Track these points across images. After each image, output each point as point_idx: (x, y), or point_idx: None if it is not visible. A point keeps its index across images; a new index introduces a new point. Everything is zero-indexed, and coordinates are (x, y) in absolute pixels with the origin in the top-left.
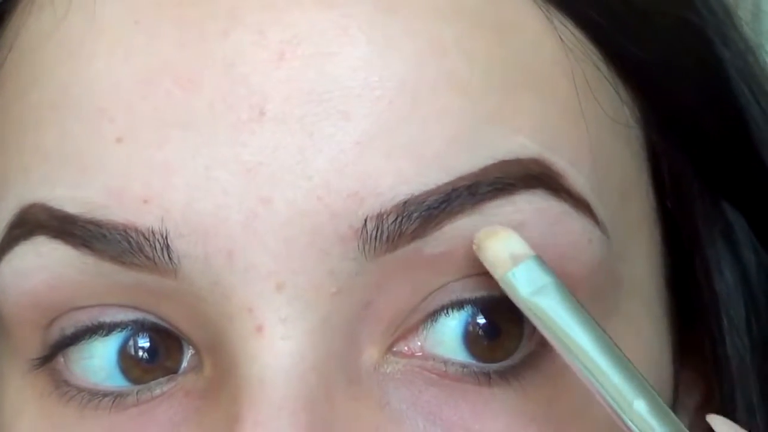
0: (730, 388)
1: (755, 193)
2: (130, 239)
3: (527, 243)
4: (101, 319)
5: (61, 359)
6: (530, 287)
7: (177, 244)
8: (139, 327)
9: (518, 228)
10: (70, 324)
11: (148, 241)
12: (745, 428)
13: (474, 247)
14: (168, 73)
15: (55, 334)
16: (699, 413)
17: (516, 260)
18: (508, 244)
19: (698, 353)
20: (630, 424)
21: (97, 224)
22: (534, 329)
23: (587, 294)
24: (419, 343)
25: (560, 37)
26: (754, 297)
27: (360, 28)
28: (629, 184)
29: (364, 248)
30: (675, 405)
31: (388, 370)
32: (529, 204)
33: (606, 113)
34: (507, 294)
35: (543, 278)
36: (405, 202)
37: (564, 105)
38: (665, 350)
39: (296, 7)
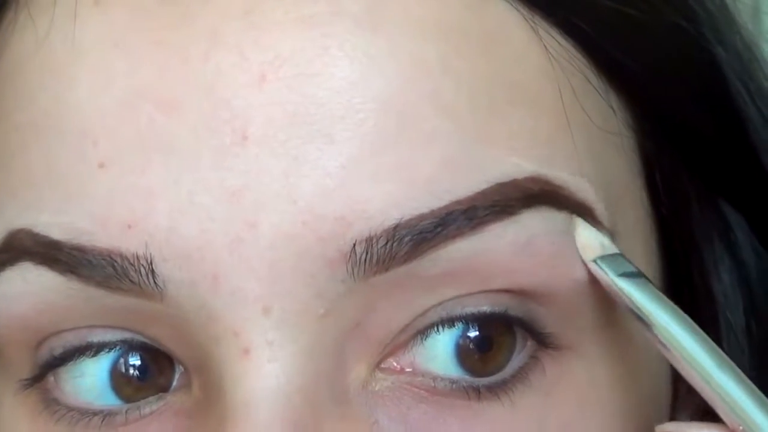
0: None
1: (754, 194)
2: (115, 264)
3: (537, 259)
4: (89, 339)
5: (52, 378)
6: (619, 271)
7: (162, 269)
8: (128, 347)
9: (526, 246)
10: (58, 345)
11: (133, 266)
12: None
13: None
14: (149, 97)
15: (44, 354)
16: (699, 415)
17: (605, 249)
18: (599, 237)
19: None
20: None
21: (81, 250)
22: (525, 343)
23: (596, 299)
24: (410, 359)
25: (546, 47)
26: (755, 299)
27: (341, 48)
28: (623, 191)
29: (353, 271)
30: (676, 402)
31: (376, 388)
32: (532, 221)
33: (594, 123)
34: (596, 276)
35: (630, 267)
36: (396, 227)
37: (553, 117)
38: (664, 359)
39: (277, 28)
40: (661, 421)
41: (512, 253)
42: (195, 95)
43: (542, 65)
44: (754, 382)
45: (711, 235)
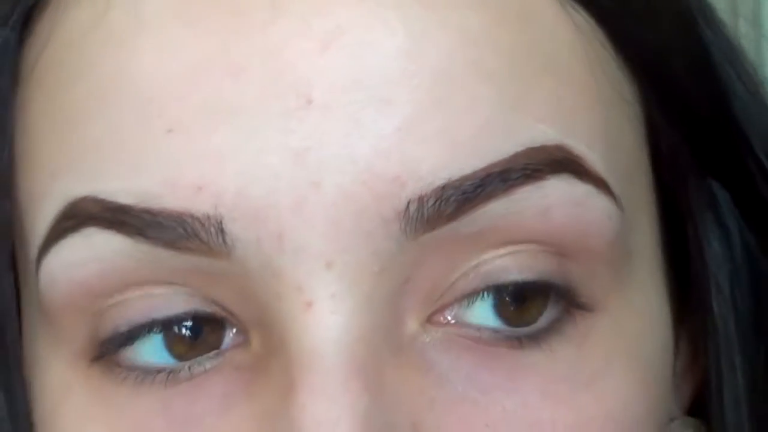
0: (715, 352)
1: (739, 169)
2: (185, 225)
3: (554, 224)
4: (153, 316)
5: (113, 352)
6: None
7: (230, 228)
8: (189, 317)
9: (547, 210)
10: (123, 322)
11: (203, 226)
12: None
13: None
14: (216, 64)
15: (107, 331)
16: (684, 375)
17: None
18: None
19: (685, 318)
20: None
21: (151, 213)
22: (557, 299)
23: (607, 265)
24: (454, 312)
25: (573, 21)
26: (737, 267)
27: (398, 20)
28: (634, 159)
29: (405, 229)
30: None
31: (427, 339)
32: (556, 189)
33: (615, 92)
34: None
35: None
36: (444, 186)
37: (580, 88)
38: (667, 314)
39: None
40: (670, 374)
41: (533, 216)
42: (260, 61)
43: (571, 39)
44: (738, 343)
45: (703, 206)
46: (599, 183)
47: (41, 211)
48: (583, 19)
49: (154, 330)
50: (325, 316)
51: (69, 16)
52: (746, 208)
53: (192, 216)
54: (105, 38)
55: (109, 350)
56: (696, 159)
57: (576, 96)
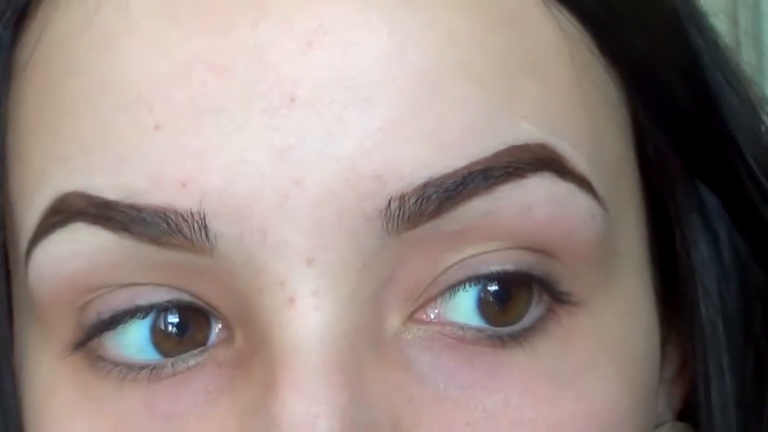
0: (703, 355)
1: (728, 174)
2: (170, 221)
3: (535, 223)
4: (137, 302)
5: (96, 338)
6: None
7: (214, 225)
8: (173, 305)
9: (528, 209)
10: (106, 308)
11: (187, 222)
12: (717, 392)
13: None
14: (202, 62)
15: (91, 317)
16: (674, 380)
17: None
18: None
19: (674, 323)
20: None
21: (137, 208)
22: (541, 297)
23: (591, 264)
24: (438, 311)
25: (559, 24)
26: (726, 270)
27: (381, 20)
28: (620, 162)
29: (387, 227)
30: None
31: (409, 337)
32: (538, 186)
33: (601, 94)
34: None
35: None
36: (425, 185)
37: (565, 89)
38: (654, 316)
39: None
40: (656, 376)
41: (515, 215)
42: (245, 60)
43: (556, 40)
44: (726, 346)
45: (691, 208)
46: (583, 183)
47: (31, 206)
48: (569, 22)
49: (138, 316)
50: (307, 312)
51: (60, 15)
52: (735, 212)
53: (176, 212)
54: (95, 37)
55: (90, 336)
56: (684, 163)
57: (561, 97)
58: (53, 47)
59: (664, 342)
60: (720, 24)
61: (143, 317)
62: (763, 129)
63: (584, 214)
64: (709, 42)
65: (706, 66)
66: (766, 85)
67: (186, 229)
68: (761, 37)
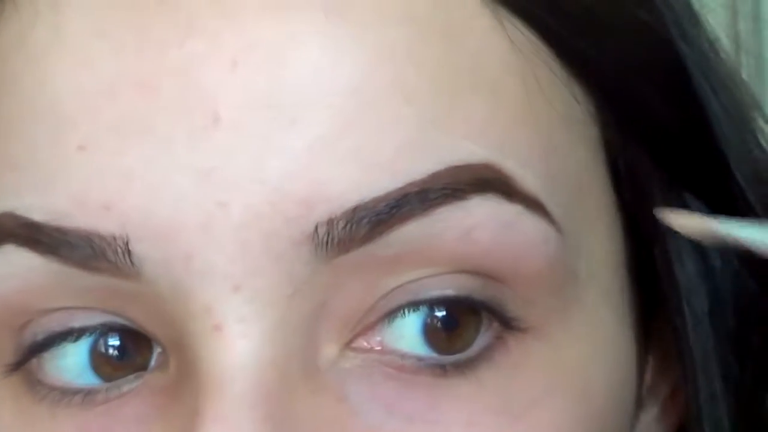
0: (693, 376)
1: (716, 186)
2: (93, 245)
3: (478, 247)
4: (71, 324)
5: (34, 361)
6: None
7: (137, 249)
8: (108, 329)
9: (469, 232)
10: (41, 330)
11: (110, 246)
12: (709, 418)
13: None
14: (128, 81)
15: (27, 339)
16: (669, 403)
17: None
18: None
19: (667, 342)
20: None
21: (62, 231)
22: (491, 323)
23: (544, 290)
24: (379, 339)
25: (510, 37)
26: (717, 287)
27: (311, 36)
28: (585, 179)
29: (316, 252)
30: (641, 391)
31: (346, 366)
32: (481, 208)
33: (558, 112)
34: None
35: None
36: (355, 208)
37: (513, 106)
38: (627, 337)
39: (250, 15)
40: (627, 407)
41: (455, 238)
42: (170, 79)
43: (505, 55)
44: (718, 368)
45: None
46: (532, 204)
47: None
48: (521, 34)
49: (70, 339)
50: (234, 340)
51: (1, 29)
52: None
53: (99, 235)
54: (27, 54)
55: (27, 357)
56: (667, 176)
57: (509, 114)
58: None
59: (645, 360)
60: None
61: (76, 340)
62: (754, 137)
63: (534, 238)
64: (695, 49)
65: (692, 76)
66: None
67: (110, 253)
68: (763, 54)
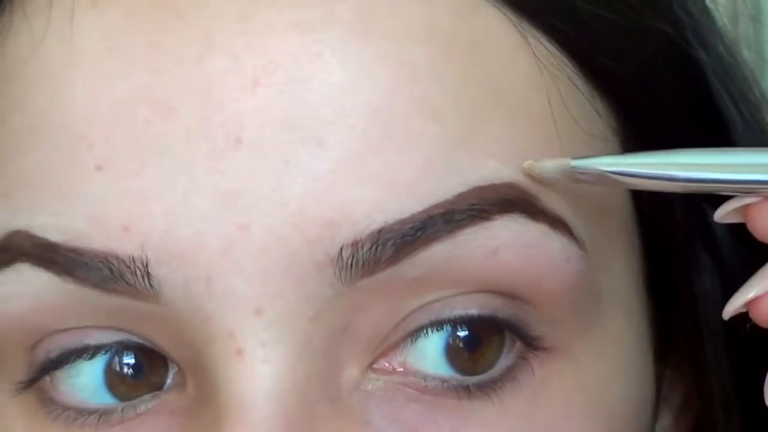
0: (707, 387)
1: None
2: (111, 267)
3: (503, 267)
4: (86, 342)
5: (48, 379)
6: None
7: (157, 271)
8: (124, 347)
9: (494, 253)
10: (54, 347)
11: (129, 268)
12: (722, 430)
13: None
14: (145, 100)
15: (40, 356)
16: (682, 411)
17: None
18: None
19: (681, 352)
20: None
21: (78, 252)
22: (513, 343)
23: (567, 308)
24: (401, 360)
25: (534, 53)
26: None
27: (333, 54)
28: (606, 195)
29: (340, 275)
30: (658, 403)
31: (369, 388)
32: (505, 229)
33: (581, 128)
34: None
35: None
36: (380, 230)
37: (538, 123)
38: (646, 352)
39: (271, 33)
40: (646, 422)
41: (481, 258)
42: (189, 98)
43: (530, 71)
44: (732, 379)
45: (693, 236)
46: (556, 223)
47: None
48: (546, 50)
49: (85, 356)
50: (256, 364)
51: (9, 42)
52: (744, 235)
53: (117, 257)
54: (39, 69)
55: (40, 375)
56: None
57: (533, 131)
58: (1, 75)
59: (662, 372)
60: None
61: (90, 357)
62: None
63: (558, 257)
64: (713, 56)
65: (710, 84)
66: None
67: (128, 275)
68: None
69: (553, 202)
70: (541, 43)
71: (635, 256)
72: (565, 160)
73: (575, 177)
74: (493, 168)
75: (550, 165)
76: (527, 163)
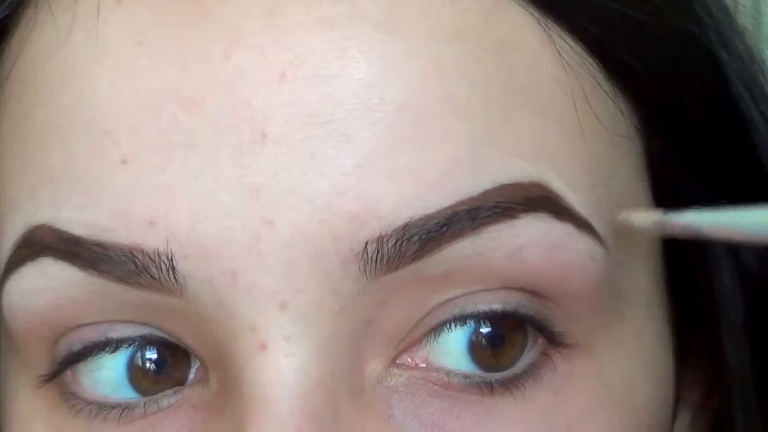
0: (727, 388)
1: (756, 196)
2: (136, 261)
3: (527, 266)
4: (109, 335)
5: (69, 372)
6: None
7: (182, 265)
8: (146, 341)
9: (519, 251)
10: (77, 340)
11: (154, 262)
12: (742, 429)
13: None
14: (171, 95)
15: (63, 350)
16: (700, 410)
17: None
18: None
19: (700, 352)
20: None
21: (103, 246)
22: (536, 340)
23: (590, 306)
24: (424, 355)
25: (559, 52)
26: (754, 298)
27: (360, 51)
28: (629, 194)
29: (365, 269)
30: (678, 403)
31: (391, 383)
32: (530, 227)
33: (605, 127)
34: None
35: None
36: (405, 226)
37: (563, 122)
38: (667, 351)
39: (298, 28)
40: (666, 420)
41: (505, 257)
42: (215, 93)
43: (555, 70)
44: (753, 380)
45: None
46: (580, 222)
47: (5, 236)
48: (571, 49)
49: (108, 350)
50: (279, 358)
51: (35, 37)
52: None
53: (142, 251)
54: (65, 63)
55: (62, 368)
56: (707, 187)
57: (558, 130)
58: (26, 71)
59: (682, 372)
60: None
61: (113, 351)
62: None
63: (582, 256)
64: (734, 56)
65: (731, 83)
66: None
67: (153, 270)
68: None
69: (577, 201)
70: (566, 41)
71: (656, 257)
72: (661, 216)
73: (667, 230)
74: (518, 166)
75: (645, 217)
76: (621, 216)
